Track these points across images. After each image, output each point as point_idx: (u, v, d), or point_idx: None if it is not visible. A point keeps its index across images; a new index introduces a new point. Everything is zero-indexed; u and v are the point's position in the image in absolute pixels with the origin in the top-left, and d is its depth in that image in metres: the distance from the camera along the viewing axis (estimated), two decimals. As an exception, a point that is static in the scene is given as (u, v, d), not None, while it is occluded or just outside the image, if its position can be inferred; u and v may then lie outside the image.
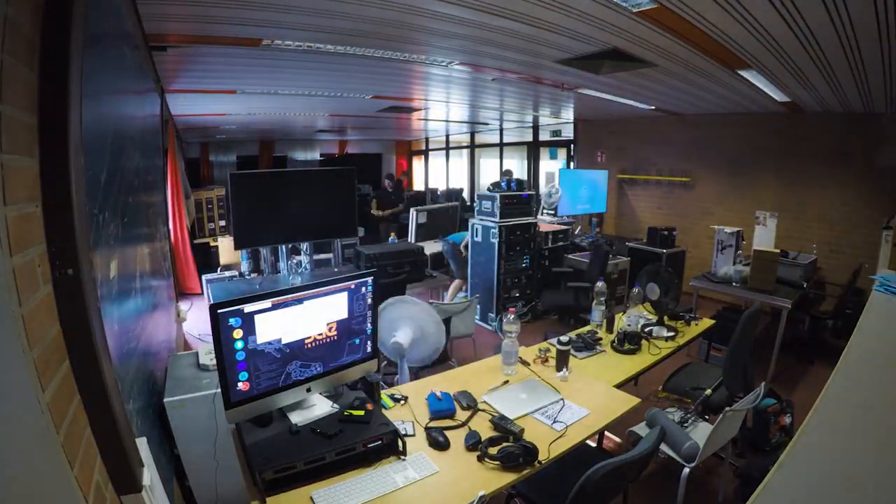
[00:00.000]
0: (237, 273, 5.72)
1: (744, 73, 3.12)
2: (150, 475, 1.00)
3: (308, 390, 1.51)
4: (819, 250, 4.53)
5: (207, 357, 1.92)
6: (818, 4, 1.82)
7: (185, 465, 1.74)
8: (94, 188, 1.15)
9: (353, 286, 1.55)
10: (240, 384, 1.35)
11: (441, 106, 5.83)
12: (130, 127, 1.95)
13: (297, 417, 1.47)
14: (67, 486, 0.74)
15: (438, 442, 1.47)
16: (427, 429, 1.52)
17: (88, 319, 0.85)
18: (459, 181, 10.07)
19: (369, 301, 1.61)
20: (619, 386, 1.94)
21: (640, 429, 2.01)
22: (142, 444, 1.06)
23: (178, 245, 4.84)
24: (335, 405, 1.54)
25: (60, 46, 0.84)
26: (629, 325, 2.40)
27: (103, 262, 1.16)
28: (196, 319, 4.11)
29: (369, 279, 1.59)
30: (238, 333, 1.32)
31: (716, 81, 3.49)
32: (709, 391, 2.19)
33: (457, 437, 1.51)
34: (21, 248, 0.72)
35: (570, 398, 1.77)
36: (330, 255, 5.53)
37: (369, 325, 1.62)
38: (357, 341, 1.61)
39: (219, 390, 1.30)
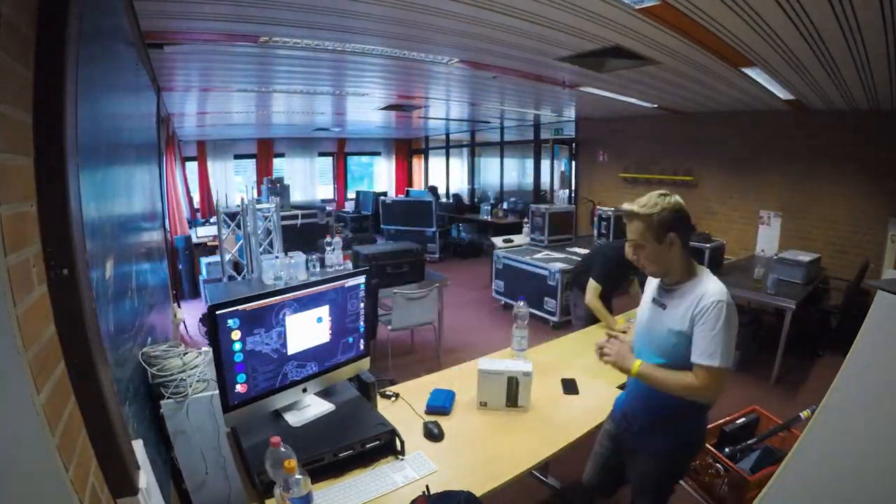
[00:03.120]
0: (234, 273, 5.74)
1: (748, 71, 3.09)
2: (146, 478, 1.00)
3: (304, 390, 1.51)
4: (824, 250, 4.50)
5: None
6: (823, 1, 1.80)
7: (181, 468, 1.72)
8: (90, 187, 1.14)
9: (346, 285, 1.56)
10: (238, 386, 1.34)
11: (441, 104, 5.81)
12: (126, 125, 1.94)
13: (292, 418, 1.46)
14: (63, 489, 0.73)
15: (433, 434, 1.49)
16: (425, 424, 1.54)
17: (84, 320, 0.84)
18: (459, 181, 10.05)
19: (362, 299, 1.62)
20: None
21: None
22: (138, 446, 1.05)
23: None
24: (331, 404, 1.54)
25: (56, 44, 0.83)
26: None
27: (99, 261, 1.15)
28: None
29: (361, 278, 1.61)
30: (236, 335, 1.31)
31: (719, 79, 3.47)
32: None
33: (452, 430, 1.52)
34: (16, 247, 0.71)
35: (571, 396, 1.77)
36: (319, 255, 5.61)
37: (362, 323, 1.64)
38: (350, 340, 1.62)
39: (216, 392, 1.29)
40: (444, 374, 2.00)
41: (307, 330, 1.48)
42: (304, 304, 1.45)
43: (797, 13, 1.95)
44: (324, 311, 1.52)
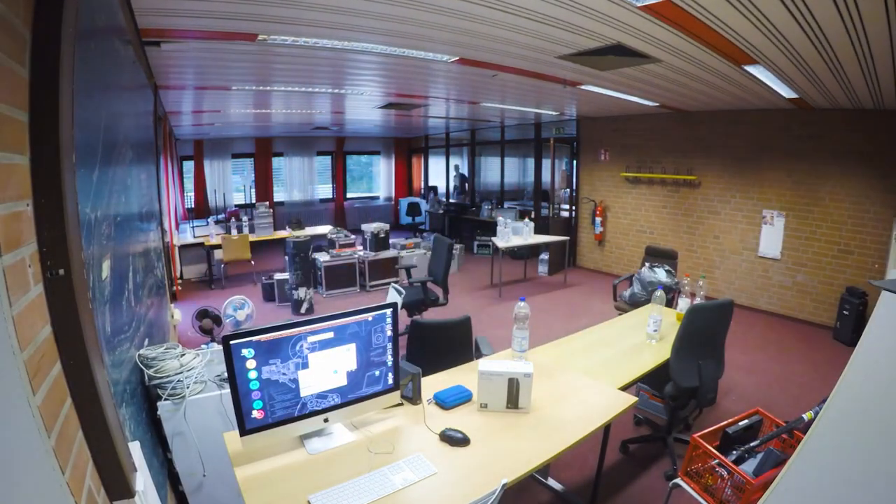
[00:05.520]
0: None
1: (750, 69, 3.07)
2: (143, 480, 0.99)
3: (325, 420, 1.48)
4: (828, 249, 4.47)
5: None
6: (827, -1, 1.78)
7: (178, 470, 1.72)
8: (87, 186, 1.13)
9: (371, 318, 1.51)
10: (254, 412, 1.34)
11: (441, 103, 5.79)
12: (123, 124, 1.93)
13: (315, 444, 1.45)
14: (59, 491, 0.72)
15: (456, 439, 1.48)
16: (443, 433, 1.52)
17: (80, 321, 0.84)
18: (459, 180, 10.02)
19: (389, 333, 1.56)
20: (625, 388, 1.93)
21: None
22: (135, 448, 1.04)
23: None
24: (355, 435, 1.51)
25: (52, 43, 0.82)
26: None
27: (95, 262, 1.14)
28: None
29: (388, 311, 1.55)
30: (252, 364, 1.30)
31: (722, 77, 3.45)
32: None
33: (472, 430, 1.52)
34: (12, 247, 0.71)
35: (571, 398, 1.76)
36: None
37: (389, 357, 1.58)
38: (377, 373, 1.57)
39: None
40: (447, 373, 2.00)
41: (328, 363, 1.45)
42: (324, 340, 1.42)
43: (801, 11, 1.93)
44: (347, 343, 1.48)
